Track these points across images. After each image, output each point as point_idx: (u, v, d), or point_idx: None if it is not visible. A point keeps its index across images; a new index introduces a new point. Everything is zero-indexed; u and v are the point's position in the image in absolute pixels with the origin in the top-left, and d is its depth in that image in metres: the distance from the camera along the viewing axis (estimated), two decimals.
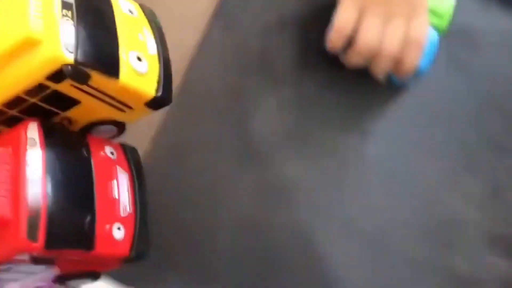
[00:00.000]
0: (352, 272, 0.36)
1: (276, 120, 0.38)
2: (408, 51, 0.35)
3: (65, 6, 0.15)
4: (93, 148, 0.17)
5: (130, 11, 0.18)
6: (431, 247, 0.38)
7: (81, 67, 0.15)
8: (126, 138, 0.21)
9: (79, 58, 0.14)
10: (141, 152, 0.23)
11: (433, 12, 0.37)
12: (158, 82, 0.17)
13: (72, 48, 0.15)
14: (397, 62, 0.36)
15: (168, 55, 0.18)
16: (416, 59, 0.36)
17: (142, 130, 0.33)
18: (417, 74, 0.37)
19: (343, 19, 0.35)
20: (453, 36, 0.39)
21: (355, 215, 0.38)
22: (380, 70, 0.37)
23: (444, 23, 0.37)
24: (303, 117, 0.38)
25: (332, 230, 0.37)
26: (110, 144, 0.18)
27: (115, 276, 0.30)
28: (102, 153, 0.17)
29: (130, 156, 0.19)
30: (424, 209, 0.39)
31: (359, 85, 0.39)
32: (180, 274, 0.34)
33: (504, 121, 0.40)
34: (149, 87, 0.17)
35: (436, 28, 0.37)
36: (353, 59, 0.37)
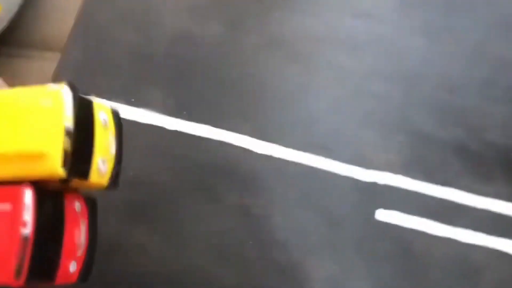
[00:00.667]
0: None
1: None
2: None
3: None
4: (67, 204, 0.21)
5: (105, 121, 0.22)
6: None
7: (68, 177, 0.20)
8: None
9: (69, 175, 0.19)
10: None
11: None
12: (111, 176, 0.22)
13: (65, 164, 0.19)
14: None
15: (121, 149, 0.23)
16: None
17: None
18: None
19: None
20: None
21: None
22: None
23: None
24: None
25: None
26: (78, 199, 0.22)
27: None
28: (72, 208, 0.21)
29: (90, 207, 0.23)
30: None
31: None
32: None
33: None
34: (105, 180, 0.22)
35: None
36: None
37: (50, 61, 0.42)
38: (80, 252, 0.21)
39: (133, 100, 0.40)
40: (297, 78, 0.43)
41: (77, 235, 0.21)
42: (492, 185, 0.41)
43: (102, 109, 0.21)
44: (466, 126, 0.43)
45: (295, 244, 0.37)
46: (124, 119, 0.39)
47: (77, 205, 0.22)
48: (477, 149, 0.42)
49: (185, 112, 0.40)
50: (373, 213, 0.39)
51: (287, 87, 0.42)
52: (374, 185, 0.40)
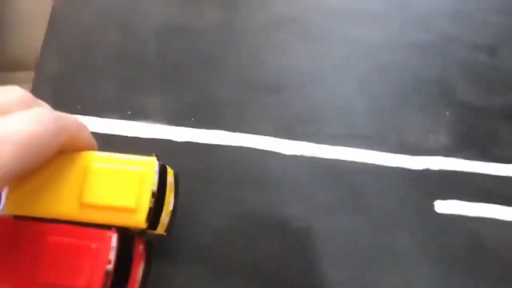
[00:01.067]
0: None
1: None
2: None
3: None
4: (135, 246, 0.26)
5: (171, 184, 0.27)
6: None
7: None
8: None
9: (148, 226, 0.24)
10: None
11: None
12: (167, 227, 0.27)
13: (148, 218, 0.24)
14: None
15: (177, 205, 0.27)
16: None
17: None
18: None
19: None
20: None
21: None
22: None
23: None
24: None
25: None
26: (142, 242, 0.27)
27: None
28: (138, 249, 0.26)
29: (148, 249, 0.27)
30: None
31: None
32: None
33: None
34: (163, 230, 0.27)
35: None
36: None
37: (23, 82, 0.35)
38: (137, 286, 0.26)
39: (129, 112, 0.33)
40: (315, 58, 0.37)
41: (138, 272, 0.26)
42: None
43: (170, 174, 0.27)
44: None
45: (347, 255, 0.31)
46: (123, 136, 0.32)
47: (141, 247, 0.27)
48: None
49: (192, 119, 0.34)
50: (432, 206, 0.33)
51: (306, 71, 0.36)
52: (426, 172, 0.34)
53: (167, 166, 0.26)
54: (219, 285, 0.30)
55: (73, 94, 0.33)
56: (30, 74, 0.37)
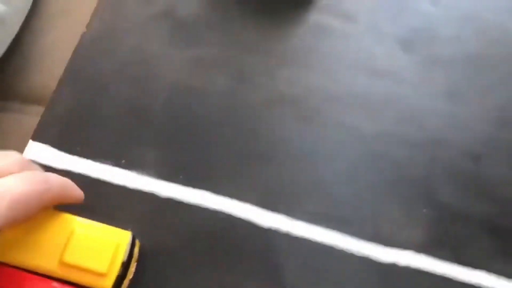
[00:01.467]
0: None
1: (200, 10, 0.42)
2: None
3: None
4: None
5: (136, 254, 0.31)
6: None
7: None
8: None
9: None
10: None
11: None
12: None
13: (114, 284, 0.28)
14: None
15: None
16: None
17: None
18: None
19: None
20: None
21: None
22: None
23: None
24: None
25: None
26: None
27: None
28: None
29: None
30: None
31: None
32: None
33: None
34: None
35: None
36: None
37: (31, 116, 0.38)
38: None
39: (123, 161, 0.36)
40: (309, 139, 0.39)
41: None
42: None
43: (137, 245, 0.31)
44: (496, 199, 0.39)
45: None
46: (111, 184, 0.34)
47: None
48: (509, 226, 0.38)
49: (181, 176, 0.36)
50: None
51: (298, 149, 0.38)
52: (394, 267, 0.35)
53: (136, 240, 0.31)
54: None
55: (76, 135, 0.36)
56: (39, 110, 0.40)
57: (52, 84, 0.39)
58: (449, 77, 0.43)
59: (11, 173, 0.26)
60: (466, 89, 0.42)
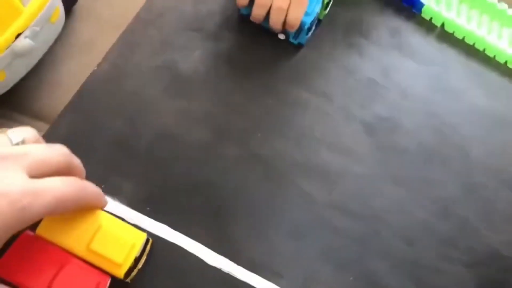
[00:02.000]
0: None
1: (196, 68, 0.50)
2: (292, 6, 0.48)
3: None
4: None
5: (147, 251, 0.41)
6: None
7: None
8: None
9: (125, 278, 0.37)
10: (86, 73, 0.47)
11: None
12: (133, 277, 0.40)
13: (126, 273, 0.37)
14: (286, 16, 0.48)
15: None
16: (298, 14, 0.48)
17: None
18: (302, 28, 0.49)
19: None
20: None
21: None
22: (274, 21, 0.49)
23: None
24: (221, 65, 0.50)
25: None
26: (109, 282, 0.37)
27: None
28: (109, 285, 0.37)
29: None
30: None
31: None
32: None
33: None
34: (129, 279, 0.39)
35: None
36: (256, 12, 0.49)
37: (38, 130, 0.44)
38: None
39: (103, 186, 0.42)
40: (267, 196, 0.45)
41: None
42: None
43: (149, 243, 0.40)
44: (417, 281, 0.44)
45: None
46: None
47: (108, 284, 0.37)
48: None
49: (148, 208, 0.42)
50: None
51: (256, 202, 0.44)
52: None
53: (149, 238, 0.39)
54: None
55: None
56: (45, 127, 0.47)
57: (59, 108, 0.46)
58: (401, 164, 0.49)
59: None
60: (415, 179, 0.48)
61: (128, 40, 0.49)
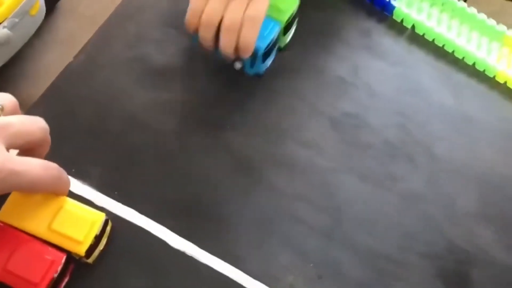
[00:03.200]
0: None
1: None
2: (244, 26, 0.44)
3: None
4: (68, 266, 0.40)
5: (107, 232, 0.43)
6: None
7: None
8: None
9: (85, 255, 0.39)
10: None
11: (276, 8, 0.48)
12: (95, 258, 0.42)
13: (87, 251, 0.39)
14: (237, 39, 0.45)
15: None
16: (251, 35, 0.44)
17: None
18: (256, 54, 0.47)
19: (195, 2, 0.45)
20: None
21: None
22: (225, 44, 0.45)
23: (284, 17, 0.49)
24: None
25: None
26: (72, 264, 0.41)
27: None
28: (69, 268, 0.41)
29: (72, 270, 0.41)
30: None
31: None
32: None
33: None
34: (91, 260, 0.41)
35: (277, 20, 0.49)
36: (203, 34, 0.45)
37: None
38: None
39: (73, 170, 0.45)
40: (234, 186, 0.48)
41: (64, 282, 0.40)
42: None
43: (109, 225, 0.42)
44: (379, 271, 0.47)
45: None
46: None
47: (70, 267, 0.40)
48: None
49: (116, 193, 0.45)
50: None
51: (222, 192, 0.47)
52: None
53: (109, 220, 0.42)
54: None
55: None
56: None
57: (36, 96, 0.49)
58: (366, 159, 0.52)
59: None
60: (379, 173, 0.51)
61: (105, 34, 0.52)
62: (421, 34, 0.60)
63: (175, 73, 0.52)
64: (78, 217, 0.39)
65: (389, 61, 0.58)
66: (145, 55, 0.52)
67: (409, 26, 0.60)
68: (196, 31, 0.47)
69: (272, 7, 0.47)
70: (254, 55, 0.47)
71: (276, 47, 0.51)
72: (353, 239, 0.47)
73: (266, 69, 0.53)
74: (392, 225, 0.49)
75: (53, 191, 0.38)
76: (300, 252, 0.46)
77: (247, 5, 0.44)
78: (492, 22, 0.59)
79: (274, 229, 0.46)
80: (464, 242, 0.50)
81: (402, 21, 0.60)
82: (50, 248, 0.38)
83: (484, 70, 0.59)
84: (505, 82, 0.58)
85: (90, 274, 0.41)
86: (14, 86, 0.51)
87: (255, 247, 0.45)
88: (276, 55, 0.52)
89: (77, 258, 0.40)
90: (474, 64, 0.59)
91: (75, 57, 0.51)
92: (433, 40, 0.60)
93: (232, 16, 0.44)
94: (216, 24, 0.45)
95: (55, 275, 0.37)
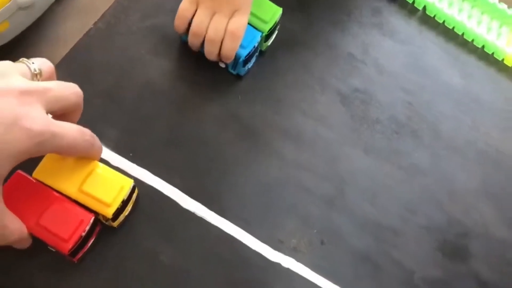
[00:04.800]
0: None
1: None
2: (226, 39, 0.50)
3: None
4: (96, 228, 0.45)
5: (133, 199, 0.47)
6: None
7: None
8: None
9: (112, 218, 0.43)
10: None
11: (258, 18, 0.52)
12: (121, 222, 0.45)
13: (114, 213, 0.43)
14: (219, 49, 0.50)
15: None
16: (231, 46, 0.50)
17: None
18: (237, 60, 0.51)
19: (183, 9, 0.50)
20: None
21: None
22: (208, 52, 0.51)
23: (266, 28, 0.53)
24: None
25: None
26: (99, 226, 0.46)
27: None
28: (95, 230, 0.45)
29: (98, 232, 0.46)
30: None
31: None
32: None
33: None
34: (116, 224, 0.45)
35: (260, 29, 0.52)
36: (191, 40, 0.51)
37: None
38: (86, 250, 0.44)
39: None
40: (242, 153, 0.51)
41: (91, 242, 0.44)
42: None
43: (135, 193, 0.46)
44: (377, 238, 0.50)
45: None
46: None
47: (97, 229, 0.44)
48: (382, 265, 0.49)
49: (131, 154, 0.49)
50: None
51: (230, 158, 0.51)
52: (278, 266, 0.47)
53: (135, 186, 0.45)
54: None
55: None
56: None
57: (56, 61, 0.53)
58: (372, 134, 0.55)
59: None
60: (383, 148, 0.55)
61: (124, 3, 0.56)
62: (431, 15, 0.63)
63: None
64: (108, 181, 0.42)
65: (399, 40, 0.61)
66: (162, 25, 0.55)
67: (420, 8, 0.63)
68: (183, 33, 0.52)
69: (256, 17, 0.52)
70: (236, 61, 0.52)
71: (257, 52, 0.54)
72: (355, 208, 0.51)
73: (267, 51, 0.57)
74: (393, 197, 0.53)
75: (86, 155, 0.41)
76: (304, 218, 0.50)
77: (230, 18, 0.50)
78: (503, 6, 0.62)
79: (280, 195, 0.50)
80: (464, 217, 0.53)
81: (413, 2, 0.63)
82: (79, 208, 0.41)
83: (493, 53, 0.62)
84: None
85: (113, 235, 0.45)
86: (35, 49, 0.54)
87: (261, 211, 0.49)
88: (257, 59, 0.56)
89: (104, 221, 0.44)
90: (483, 47, 0.62)
91: (94, 24, 0.54)
92: (443, 22, 0.63)
93: (214, 29, 0.50)
94: (203, 35, 0.50)
95: (83, 234, 0.41)
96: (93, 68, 0.52)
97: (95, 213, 0.42)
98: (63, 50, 0.54)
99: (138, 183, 0.48)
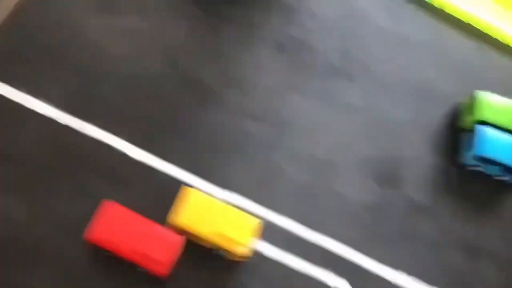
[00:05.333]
0: None
1: None
2: None
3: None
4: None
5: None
6: None
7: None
8: None
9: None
10: None
11: None
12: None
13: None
14: None
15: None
16: None
17: None
18: None
19: None
20: None
21: None
22: None
23: None
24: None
25: None
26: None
27: None
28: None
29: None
30: None
31: None
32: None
33: None
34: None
35: None
36: None
37: None
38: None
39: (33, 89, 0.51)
40: (191, 104, 0.55)
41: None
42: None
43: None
44: (319, 174, 0.55)
45: None
46: (23, 106, 0.50)
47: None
48: (321, 195, 0.54)
49: (77, 110, 0.52)
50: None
51: (179, 108, 0.54)
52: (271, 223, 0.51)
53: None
54: None
55: (6, 66, 0.51)
56: None
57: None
58: (306, 79, 0.59)
59: None
60: (318, 91, 0.59)
61: None
62: None
63: (131, 2, 0.58)
64: (233, 220, 0.52)
65: None
66: None
67: None
68: None
69: None
70: None
71: None
72: (296, 147, 0.56)
73: None
74: (330, 134, 0.58)
75: None
76: (248, 160, 0.54)
77: None
78: None
79: (225, 141, 0.54)
80: (397, 149, 0.58)
81: None
82: (170, 232, 0.52)
83: None
84: (441, 6, 0.66)
85: None
86: None
87: (209, 155, 0.53)
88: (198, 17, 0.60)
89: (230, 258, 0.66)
90: None
91: None
92: None
93: None
94: None
95: (176, 255, 0.55)
96: (34, 30, 0.56)
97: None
98: (1, 15, 0.56)
99: (86, 138, 0.51)
